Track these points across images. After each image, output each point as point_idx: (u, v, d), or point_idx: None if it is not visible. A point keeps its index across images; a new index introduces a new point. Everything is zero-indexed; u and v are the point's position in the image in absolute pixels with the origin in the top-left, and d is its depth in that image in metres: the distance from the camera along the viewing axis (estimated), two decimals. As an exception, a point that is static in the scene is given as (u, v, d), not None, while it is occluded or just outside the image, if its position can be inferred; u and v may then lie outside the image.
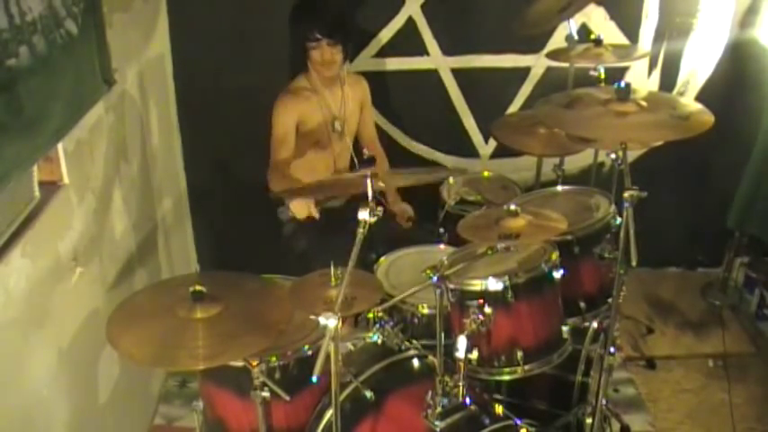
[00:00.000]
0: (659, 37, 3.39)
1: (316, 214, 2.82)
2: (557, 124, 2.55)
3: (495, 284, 2.16)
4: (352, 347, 2.30)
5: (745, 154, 3.35)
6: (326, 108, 2.88)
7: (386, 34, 3.29)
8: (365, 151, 1.94)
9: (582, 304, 2.50)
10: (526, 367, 2.22)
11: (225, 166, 3.02)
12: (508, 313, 2.19)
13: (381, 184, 1.97)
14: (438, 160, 3.54)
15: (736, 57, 3.40)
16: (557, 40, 3.23)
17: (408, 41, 3.30)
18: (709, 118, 2.06)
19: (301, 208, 2.83)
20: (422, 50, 3.34)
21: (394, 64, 3.33)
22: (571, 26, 2.92)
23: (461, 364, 1.98)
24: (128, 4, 2.75)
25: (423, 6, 3.26)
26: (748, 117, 3.32)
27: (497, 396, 2.42)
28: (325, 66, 2.81)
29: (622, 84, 2.13)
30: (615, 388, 3.09)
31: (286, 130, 2.80)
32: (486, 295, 2.15)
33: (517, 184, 3.12)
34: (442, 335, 2.02)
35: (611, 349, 2.30)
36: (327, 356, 1.75)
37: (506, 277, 2.17)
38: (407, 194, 3.04)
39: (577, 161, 3.39)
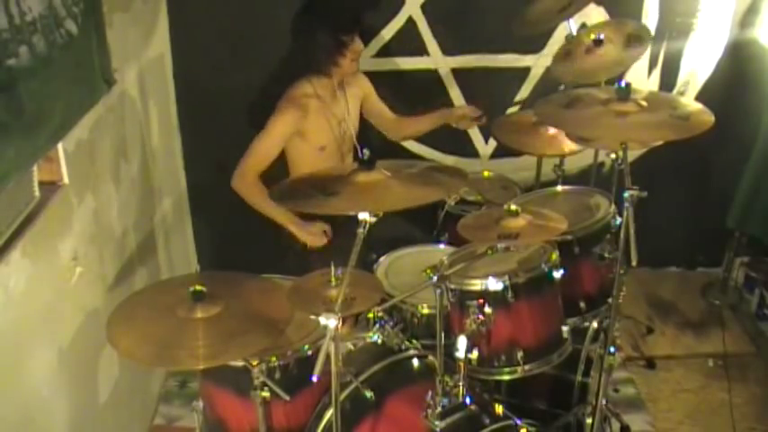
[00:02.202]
0: (659, 37, 3.39)
1: (329, 237, 2.82)
2: (557, 124, 2.56)
3: (495, 284, 2.16)
4: (352, 347, 2.31)
5: (745, 154, 3.35)
6: (330, 113, 2.87)
7: (386, 34, 3.29)
8: (365, 152, 1.94)
9: (582, 304, 2.50)
10: (526, 367, 2.22)
11: (225, 166, 3.02)
12: (508, 313, 2.19)
13: None
14: (438, 160, 3.54)
15: (736, 57, 3.40)
16: (557, 40, 3.23)
17: (408, 41, 3.30)
18: (709, 118, 2.06)
19: (313, 238, 2.82)
20: (422, 50, 3.34)
21: (394, 64, 3.33)
22: (571, 26, 2.92)
23: (461, 364, 1.99)
24: (128, 4, 2.75)
25: (423, 6, 3.26)
26: (748, 117, 3.32)
27: (497, 396, 2.42)
28: (355, 61, 2.81)
29: (622, 83, 2.13)
30: (615, 388, 3.09)
31: (275, 144, 2.79)
32: (486, 295, 2.15)
33: (517, 184, 3.13)
34: (442, 335, 2.02)
35: (611, 349, 2.30)
36: (327, 356, 1.75)
37: (506, 277, 2.17)
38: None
39: (577, 161, 3.39)
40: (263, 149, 2.79)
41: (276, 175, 2.87)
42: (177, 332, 1.84)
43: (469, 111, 3.02)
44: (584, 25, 3.23)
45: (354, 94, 2.99)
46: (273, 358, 2.03)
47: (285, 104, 2.80)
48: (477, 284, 2.18)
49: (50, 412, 2.13)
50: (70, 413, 2.22)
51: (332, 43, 2.73)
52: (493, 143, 3.52)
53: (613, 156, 2.21)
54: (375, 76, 3.11)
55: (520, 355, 2.20)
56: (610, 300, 2.37)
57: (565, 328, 2.30)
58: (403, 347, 2.24)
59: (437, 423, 1.97)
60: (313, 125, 2.83)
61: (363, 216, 1.76)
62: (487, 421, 2.00)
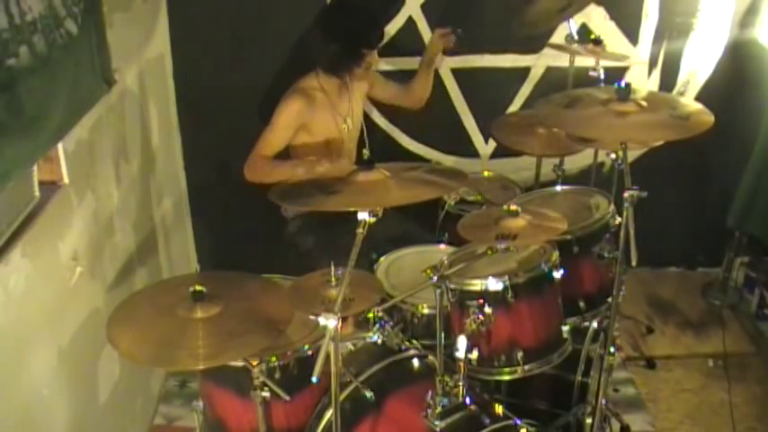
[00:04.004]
0: (659, 37, 3.39)
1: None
2: (557, 124, 2.56)
3: (495, 284, 2.16)
4: (352, 347, 2.31)
5: (745, 154, 3.35)
6: (335, 109, 2.88)
7: (386, 34, 3.28)
8: (365, 151, 1.95)
9: (582, 304, 2.50)
10: (526, 367, 2.22)
11: (225, 166, 3.03)
12: (508, 313, 2.19)
13: None
14: (438, 160, 3.54)
15: (736, 57, 3.40)
16: (557, 41, 3.22)
17: (408, 41, 3.30)
18: (709, 118, 2.06)
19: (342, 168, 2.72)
20: (422, 50, 3.32)
21: (394, 64, 3.33)
22: (571, 26, 2.92)
23: (461, 364, 1.99)
24: (128, 4, 2.75)
25: (423, 6, 3.26)
26: (748, 117, 3.32)
27: (497, 396, 2.42)
28: (367, 69, 2.83)
29: (622, 84, 2.13)
30: (615, 388, 3.09)
31: (282, 133, 2.80)
32: (486, 295, 2.15)
33: (517, 184, 3.13)
34: (442, 335, 2.02)
35: (612, 349, 2.30)
36: (327, 356, 1.75)
37: (506, 277, 2.17)
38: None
39: (577, 161, 3.39)
40: (270, 140, 2.79)
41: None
42: (177, 332, 1.85)
43: (441, 32, 3.00)
44: (584, 25, 3.24)
45: (359, 92, 2.99)
46: (273, 358, 2.03)
47: (291, 94, 2.81)
48: (477, 284, 2.18)
49: (50, 412, 2.12)
50: (70, 413, 2.22)
51: (353, 54, 2.75)
52: (493, 143, 3.52)
53: (613, 156, 2.21)
54: (375, 76, 3.12)
55: (520, 355, 2.20)
56: (609, 300, 2.37)
57: (565, 328, 2.30)
58: (403, 347, 2.24)
59: (437, 423, 1.96)
60: (318, 119, 2.83)
61: (363, 216, 1.76)
62: (487, 421, 2.00)
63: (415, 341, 2.29)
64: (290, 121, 2.79)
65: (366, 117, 3.22)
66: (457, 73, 3.40)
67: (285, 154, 2.90)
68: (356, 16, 2.77)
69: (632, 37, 3.38)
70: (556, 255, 2.28)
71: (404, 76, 3.33)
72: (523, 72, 3.42)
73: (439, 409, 1.97)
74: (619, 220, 2.42)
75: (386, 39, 3.26)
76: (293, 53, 3.21)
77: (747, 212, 3.38)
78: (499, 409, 2.06)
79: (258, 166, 2.75)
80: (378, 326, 2.26)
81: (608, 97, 2.15)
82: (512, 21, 2.94)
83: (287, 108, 2.79)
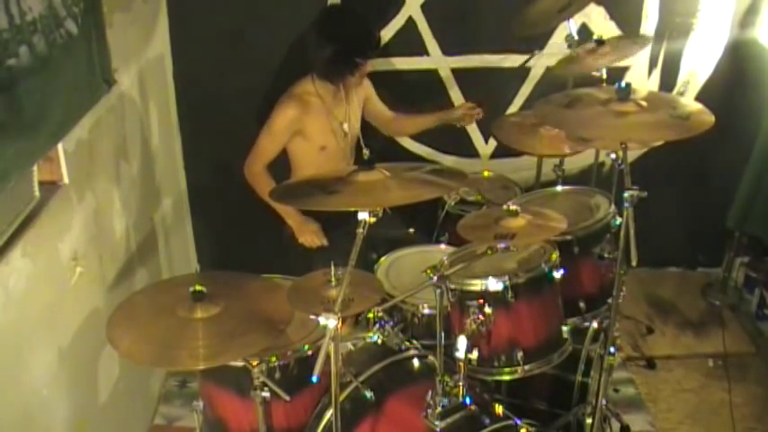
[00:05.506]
0: (659, 37, 3.39)
1: (324, 241, 2.85)
2: (557, 124, 2.56)
3: (495, 284, 2.16)
4: (352, 347, 2.31)
5: (745, 154, 3.35)
6: (331, 114, 2.88)
7: (386, 34, 3.28)
8: (365, 151, 1.95)
9: (582, 304, 2.50)
10: (526, 367, 2.22)
11: (225, 166, 3.03)
12: (508, 313, 2.19)
13: None
14: (438, 160, 3.54)
15: (736, 57, 3.40)
16: (557, 41, 3.22)
17: (408, 41, 3.30)
18: (709, 118, 2.06)
19: (309, 237, 2.86)
20: (422, 50, 3.34)
21: (394, 64, 3.33)
22: (571, 26, 2.92)
23: (461, 364, 1.99)
24: (128, 4, 2.75)
25: (423, 6, 3.26)
26: (748, 117, 3.32)
27: (497, 396, 2.42)
28: (361, 77, 2.84)
29: (622, 84, 2.13)
30: (615, 388, 3.09)
31: (277, 138, 2.82)
32: (486, 295, 2.16)
33: (517, 184, 3.13)
34: (442, 335, 2.02)
35: (611, 349, 2.30)
36: (327, 356, 1.75)
37: (506, 277, 2.17)
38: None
39: (577, 161, 3.39)
40: (265, 144, 2.82)
41: (284, 172, 2.90)
42: (177, 332, 1.85)
43: (467, 107, 3.05)
44: (584, 25, 3.23)
45: (357, 97, 2.99)
46: (273, 358, 2.03)
47: (286, 100, 2.82)
48: (477, 284, 2.18)
49: (50, 412, 2.12)
50: (70, 413, 2.22)
51: (346, 63, 2.74)
52: (493, 143, 3.52)
53: (613, 156, 2.21)
54: (375, 76, 3.11)
55: (520, 355, 2.20)
56: (610, 300, 2.37)
57: (565, 328, 2.30)
58: (403, 347, 2.24)
59: (437, 423, 1.97)
60: (313, 124, 2.83)
61: (363, 216, 1.76)
62: (487, 421, 2.00)
63: (415, 341, 2.29)
64: (284, 127, 2.80)
65: (364, 117, 3.21)
66: (457, 73, 3.40)
67: (284, 157, 2.90)
68: (352, 25, 2.76)
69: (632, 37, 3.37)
70: (556, 255, 2.28)
71: (403, 77, 3.34)
72: (523, 72, 3.42)
73: (439, 409, 1.97)
74: (619, 220, 2.42)
75: (386, 39, 3.28)
76: (293, 54, 3.21)
77: (747, 213, 3.38)
78: (499, 409, 2.06)
79: (252, 174, 2.83)
80: (378, 326, 2.26)
81: (608, 97, 2.15)
82: (512, 21, 2.93)
83: (282, 114, 2.79)
